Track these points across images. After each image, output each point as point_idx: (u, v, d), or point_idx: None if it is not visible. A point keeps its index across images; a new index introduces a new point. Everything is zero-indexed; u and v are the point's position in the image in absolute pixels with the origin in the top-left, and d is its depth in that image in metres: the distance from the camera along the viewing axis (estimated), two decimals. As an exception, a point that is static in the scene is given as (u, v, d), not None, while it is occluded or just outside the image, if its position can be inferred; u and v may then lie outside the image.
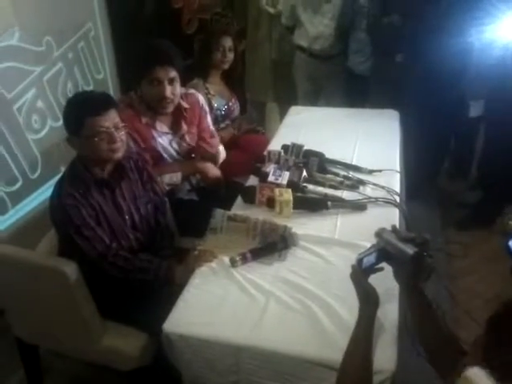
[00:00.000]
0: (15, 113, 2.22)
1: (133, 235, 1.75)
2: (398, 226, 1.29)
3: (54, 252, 1.74)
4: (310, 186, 1.96)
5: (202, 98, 2.29)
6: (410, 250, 1.14)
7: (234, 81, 2.80)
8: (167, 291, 1.60)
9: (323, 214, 1.83)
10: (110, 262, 1.62)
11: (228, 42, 2.60)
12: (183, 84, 2.14)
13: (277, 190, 1.83)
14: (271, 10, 3.47)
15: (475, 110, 2.77)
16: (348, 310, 1.34)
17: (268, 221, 1.71)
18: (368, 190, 1.96)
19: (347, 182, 1.99)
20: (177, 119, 2.14)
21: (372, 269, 1.22)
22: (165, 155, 2.12)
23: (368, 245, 1.26)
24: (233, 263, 1.58)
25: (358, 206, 1.85)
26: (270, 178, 1.91)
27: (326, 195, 1.91)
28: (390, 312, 1.33)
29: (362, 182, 2.00)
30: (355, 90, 3.31)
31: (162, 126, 2.10)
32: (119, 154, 1.63)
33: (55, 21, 2.40)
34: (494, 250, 2.68)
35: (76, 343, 1.71)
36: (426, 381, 1.33)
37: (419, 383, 1.58)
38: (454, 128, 3.07)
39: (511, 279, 2.46)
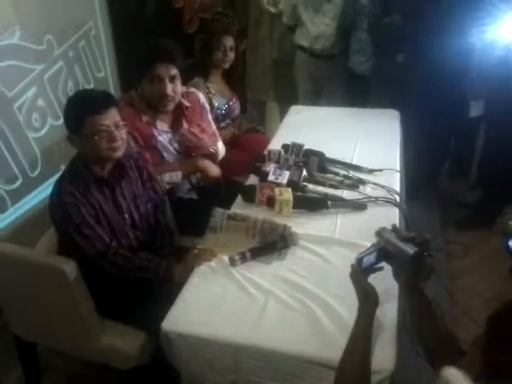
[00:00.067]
0: (16, 111, 2.22)
1: (132, 234, 1.75)
2: (398, 225, 1.29)
3: (54, 250, 1.74)
4: (310, 186, 1.96)
5: (202, 97, 2.29)
6: (410, 249, 1.14)
7: (235, 80, 2.80)
8: (166, 290, 1.60)
9: (323, 213, 1.83)
10: (109, 260, 1.62)
11: (229, 42, 2.60)
12: (184, 83, 2.14)
13: (277, 190, 1.83)
14: (272, 10, 3.47)
15: (475, 110, 2.77)
16: (347, 309, 1.33)
17: (268, 220, 1.71)
18: (368, 190, 1.96)
19: (347, 182, 1.99)
20: (178, 118, 2.14)
21: (372, 268, 1.21)
22: (165, 154, 2.12)
23: (368, 244, 1.26)
24: (232, 262, 1.58)
25: (358, 206, 1.85)
26: (270, 178, 1.91)
27: (326, 195, 1.91)
28: (389, 311, 1.33)
29: (362, 182, 2.00)
30: (356, 90, 3.31)
31: (162, 125, 2.10)
32: (119, 153, 1.63)
33: (56, 20, 2.40)
34: (493, 250, 2.68)
35: (74, 341, 1.71)
36: (424, 380, 1.33)
37: (418, 383, 1.58)
38: (454, 128, 3.07)
39: (510, 279, 2.46)
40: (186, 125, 2.16)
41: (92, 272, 1.59)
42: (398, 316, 1.34)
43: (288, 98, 3.58)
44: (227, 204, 1.89)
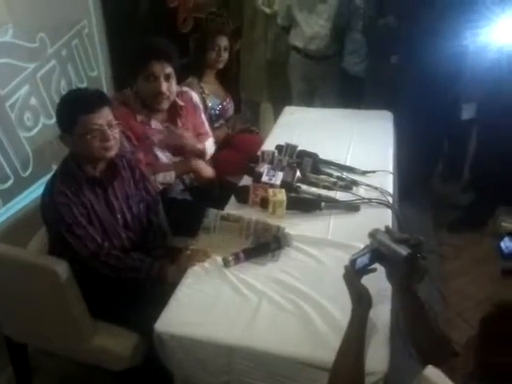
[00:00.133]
0: (8, 110, 2.20)
1: (125, 234, 1.74)
2: (391, 227, 1.29)
3: (45, 251, 1.73)
4: (304, 187, 1.96)
5: (195, 96, 2.29)
6: (403, 251, 1.14)
7: (229, 80, 2.79)
8: (159, 291, 1.59)
9: (316, 214, 1.83)
10: (101, 261, 1.61)
11: (223, 42, 2.59)
12: (178, 83, 2.14)
13: (270, 191, 1.83)
14: (267, 10, 3.47)
15: (467, 112, 2.78)
16: (340, 310, 1.33)
17: (261, 221, 1.71)
18: (361, 191, 1.97)
19: (341, 183, 1.99)
20: (172, 117, 2.14)
21: (365, 270, 1.21)
22: (159, 154, 2.11)
23: (361, 245, 1.26)
24: (226, 263, 1.57)
25: (351, 207, 1.85)
26: (264, 178, 1.91)
27: (319, 196, 1.91)
28: (382, 313, 1.34)
29: (355, 183, 2.00)
30: (350, 91, 3.32)
31: (157, 124, 2.09)
32: (112, 153, 1.62)
33: (49, 18, 2.38)
34: (485, 252, 2.69)
35: (66, 342, 1.69)
36: (417, 382, 1.32)
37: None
38: (447, 130, 3.09)
39: (502, 281, 2.47)
40: (180, 124, 2.15)
41: (84, 272, 1.58)
42: (391, 318, 1.34)
43: (282, 98, 3.58)
44: (220, 205, 1.88)
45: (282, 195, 1.81)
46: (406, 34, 2.70)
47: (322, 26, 3.15)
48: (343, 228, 1.75)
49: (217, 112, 2.68)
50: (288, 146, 2.13)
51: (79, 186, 1.60)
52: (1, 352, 1.89)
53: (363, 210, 1.85)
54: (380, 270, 1.24)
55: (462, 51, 2.51)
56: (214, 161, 2.50)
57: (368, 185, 1.99)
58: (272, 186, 1.87)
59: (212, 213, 1.74)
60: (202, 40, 2.64)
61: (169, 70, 1.98)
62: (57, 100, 1.71)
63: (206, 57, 2.60)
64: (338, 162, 2.18)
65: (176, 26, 3.49)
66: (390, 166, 2.19)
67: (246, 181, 2.06)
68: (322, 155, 2.15)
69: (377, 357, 1.21)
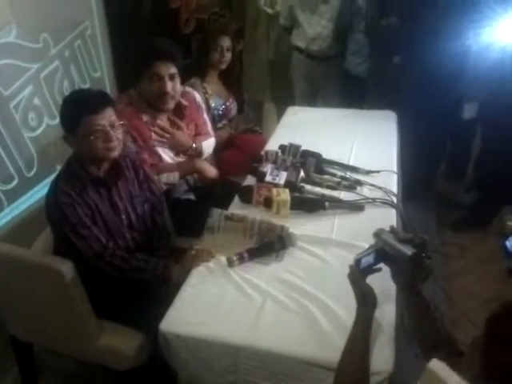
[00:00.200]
0: (12, 110, 2.20)
1: (129, 235, 1.75)
2: (395, 226, 1.29)
3: (50, 251, 1.74)
4: (308, 187, 1.96)
5: (198, 96, 2.31)
6: (408, 250, 1.14)
7: (232, 81, 2.79)
8: (164, 291, 1.59)
9: (320, 214, 1.83)
10: (106, 261, 1.61)
11: (226, 42, 2.60)
12: (181, 83, 2.14)
13: (274, 190, 1.83)
14: (269, 11, 3.47)
15: (469, 112, 2.78)
16: (345, 310, 1.34)
17: (265, 221, 1.71)
18: (365, 191, 1.96)
19: (344, 183, 1.99)
20: (177, 117, 2.15)
21: (370, 269, 1.22)
22: (161, 153, 2.11)
23: (365, 245, 1.26)
24: (230, 263, 1.57)
25: (356, 207, 1.85)
26: (268, 178, 1.91)
27: (323, 196, 1.91)
28: (387, 313, 1.33)
29: (359, 183, 2.00)
30: (352, 92, 3.32)
31: (161, 124, 2.10)
32: (115, 153, 1.62)
33: (52, 18, 2.39)
34: (489, 252, 2.69)
35: (72, 342, 1.70)
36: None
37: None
38: (450, 130, 3.08)
39: (507, 280, 2.47)
40: (184, 124, 2.16)
41: (89, 272, 1.59)
42: (396, 317, 1.34)
43: (284, 98, 3.59)
44: (224, 204, 1.88)
45: (285, 195, 1.81)
46: (408, 34, 2.70)
47: (324, 27, 3.15)
48: (348, 228, 1.75)
49: (220, 112, 2.68)
50: (291, 145, 2.13)
51: (83, 187, 1.60)
52: (7, 352, 1.90)
53: (367, 210, 1.85)
54: (385, 269, 1.24)
55: (465, 51, 2.51)
56: (218, 161, 2.50)
57: (372, 184, 1.99)
58: (276, 185, 1.87)
59: (216, 213, 1.74)
60: (204, 40, 2.65)
61: (173, 70, 1.99)
62: (60, 100, 1.72)
63: (208, 57, 2.60)
64: (341, 161, 2.18)
65: (178, 26, 3.49)
66: (394, 166, 2.19)
67: (249, 181, 2.06)
68: (326, 155, 2.15)
69: (382, 356, 1.21)
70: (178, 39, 2.80)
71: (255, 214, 1.79)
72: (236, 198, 1.95)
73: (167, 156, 2.13)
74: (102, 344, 1.63)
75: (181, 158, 2.19)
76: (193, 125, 2.23)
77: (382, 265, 1.24)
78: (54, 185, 1.61)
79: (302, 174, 1.98)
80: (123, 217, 1.72)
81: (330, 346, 1.24)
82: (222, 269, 1.58)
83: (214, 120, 2.64)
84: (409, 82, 2.81)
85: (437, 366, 0.76)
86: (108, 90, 2.82)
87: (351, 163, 2.20)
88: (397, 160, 2.27)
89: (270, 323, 1.35)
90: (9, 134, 2.19)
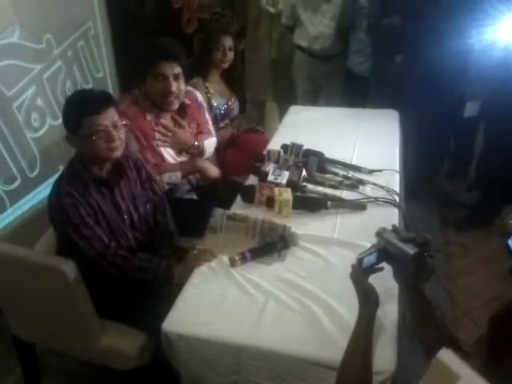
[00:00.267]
0: (15, 111, 2.21)
1: (132, 234, 1.75)
2: (397, 226, 1.29)
3: (53, 251, 1.74)
4: (310, 186, 1.96)
5: (199, 95, 2.31)
6: (410, 250, 1.14)
7: (234, 80, 2.79)
8: (166, 291, 1.60)
9: (323, 213, 1.83)
10: (108, 261, 1.61)
11: (228, 42, 2.59)
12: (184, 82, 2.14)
13: (276, 190, 1.83)
14: (271, 10, 3.47)
15: (469, 110, 2.78)
16: (347, 309, 1.33)
17: (267, 220, 1.71)
18: (368, 190, 1.96)
19: (347, 182, 1.99)
20: (180, 116, 2.15)
21: (372, 269, 1.21)
22: (165, 154, 2.12)
23: (367, 245, 1.26)
24: (232, 263, 1.57)
25: (358, 206, 1.85)
26: (270, 178, 1.91)
27: (325, 195, 1.90)
28: (389, 312, 1.33)
29: (361, 182, 2.00)
30: (354, 91, 3.31)
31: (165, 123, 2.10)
32: (117, 153, 1.63)
33: (55, 19, 2.40)
34: (492, 251, 2.68)
35: (74, 342, 1.70)
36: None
37: (418, 384, 1.58)
38: (453, 129, 3.08)
39: (509, 279, 2.46)
40: (186, 123, 2.17)
41: (91, 272, 1.59)
42: (399, 316, 1.33)
43: (287, 97, 3.58)
44: (226, 204, 1.88)
45: (287, 194, 1.80)
46: (410, 33, 2.69)
47: (326, 26, 3.14)
48: (350, 227, 1.75)
49: (222, 112, 2.68)
50: (293, 145, 2.13)
51: (86, 187, 1.60)
52: (9, 352, 1.91)
53: (370, 209, 1.84)
54: (387, 268, 1.24)
55: (467, 50, 2.50)
56: (220, 160, 2.50)
57: (374, 184, 1.99)
58: (278, 185, 1.87)
59: (218, 212, 1.74)
60: (206, 40, 2.64)
61: (178, 69, 1.99)
62: (62, 101, 1.72)
63: (210, 57, 2.60)
64: (343, 160, 2.18)
65: (180, 26, 3.50)
66: (397, 165, 2.18)
67: (251, 180, 2.06)
68: (328, 154, 2.15)
69: (384, 356, 1.21)
70: (180, 39, 2.79)
71: (257, 213, 1.79)
72: (238, 198, 1.95)
73: (169, 156, 2.13)
74: (105, 344, 1.64)
75: (183, 158, 2.19)
76: (194, 123, 2.24)
77: (384, 264, 1.23)
78: (57, 185, 1.62)
79: (304, 173, 1.98)
80: (125, 217, 1.72)
81: (332, 346, 1.24)
82: (224, 268, 1.58)
83: (216, 119, 2.64)
84: (411, 81, 2.80)
85: (446, 355, 0.75)
86: (110, 91, 2.83)
87: (353, 162, 2.19)
88: (399, 159, 2.26)
89: (273, 323, 1.35)
90: (12, 134, 2.20)
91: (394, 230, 1.22)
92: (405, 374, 1.23)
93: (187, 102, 2.16)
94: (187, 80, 2.14)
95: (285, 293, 1.45)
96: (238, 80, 2.91)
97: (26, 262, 1.58)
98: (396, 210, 1.85)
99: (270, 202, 1.84)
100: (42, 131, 2.39)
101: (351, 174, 2.06)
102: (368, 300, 1.17)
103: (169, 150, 2.13)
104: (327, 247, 1.64)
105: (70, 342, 1.71)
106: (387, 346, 1.24)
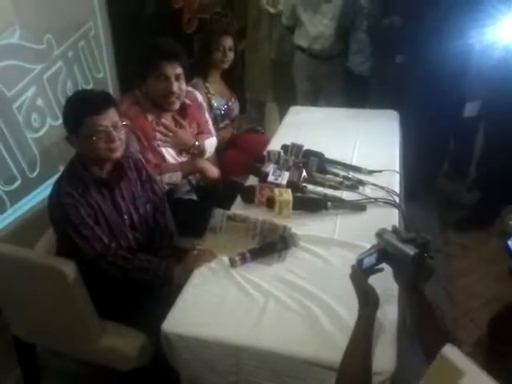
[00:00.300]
0: (15, 111, 2.21)
1: (132, 235, 1.75)
2: (397, 226, 1.29)
3: (53, 251, 1.74)
4: (310, 186, 1.96)
5: (199, 95, 2.32)
6: (410, 250, 1.14)
7: (234, 80, 2.79)
8: (166, 291, 1.60)
9: (323, 214, 1.83)
10: (108, 261, 1.61)
11: (228, 42, 2.59)
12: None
13: (276, 190, 1.83)
14: (272, 10, 3.47)
15: (469, 110, 2.78)
16: (347, 310, 1.34)
17: (267, 221, 1.71)
18: (368, 191, 1.96)
19: (347, 183, 1.99)
20: (181, 116, 2.16)
21: (372, 269, 1.21)
22: (166, 155, 2.12)
23: (367, 245, 1.26)
24: (232, 263, 1.57)
25: (358, 207, 1.85)
26: (270, 178, 1.91)
27: (325, 195, 1.90)
28: (389, 313, 1.33)
29: (361, 183, 2.00)
30: (355, 91, 3.31)
31: (166, 124, 2.10)
32: (118, 154, 1.63)
33: (56, 19, 2.40)
34: (492, 252, 2.68)
35: (74, 343, 1.70)
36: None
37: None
38: (453, 129, 3.08)
39: (509, 280, 2.46)
40: (187, 123, 2.17)
41: (91, 273, 1.59)
42: (398, 317, 1.34)
43: (287, 98, 3.59)
44: (226, 205, 1.88)
45: (288, 195, 1.81)
46: (410, 33, 2.69)
47: (326, 26, 3.14)
48: (350, 228, 1.75)
49: (222, 112, 2.68)
50: (294, 145, 2.13)
51: (86, 187, 1.60)
52: (9, 352, 1.91)
53: (370, 210, 1.84)
54: (387, 269, 1.24)
55: (468, 50, 2.50)
56: (220, 161, 2.50)
57: (374, 184, 1.99)
58: (278, 185, 1.87)
59: (218, 213, 1.74)
60: (206, 40, 2.65)
61: (179, 70, 1.99)
62: (63, 101, 1.72)
63: (210, 57, 2.60)
64: (343, 161, 2.18)
65: (181, 26, 3.50)
66: (397, 166, 2.18)
67: (251, 181, 2.06)
68: (328, 155, 2.15)
69: (384, 356, 1.21)
70: (181, 39, 2.80)
71: (257, 214, 1.79)
72: (238, 198, 1.95)
73: (170, 156, 2.13)
74: (105, 344, 1.64)
75: (183, 158, 2.19)
76: (195, 123, 2.24)
77: (384, 265, 1.23)
78: (57, 185, 1.62)
79: (304, 173, 1.98)
80: (125, 217, 1.72)
81: (332, 346, 1.24)
82: (224, 269, 1.58)
83: (217, 120, 2.64)
84: (411, 81, 2.80)
85: (450, 351, 0.75)
86: (111, 91, 2.83)
87: (354, 163, 2.19)
88: (399, 159, 2.26)
89: (272, 323, 1.36)
90: (12, 134, 2.20)
91: (394, 230, 1.22)
92: (404, 375, 1.24)
93: (188, 102, 2.17)
94: (187, 80, 2.14)
95: (285, 293, 1.46)
96: (238, 80, 2.91)
97: (26, 263, 1.58)
98: (396, 211, 1.85)
99: (270, 203, 1.84)
100: (43, 131, 2.39)
101: (351, 174, 2.06)
102: (368, 301, 1.17)
103: (169, 150, 2.13)
104: (327, 248, 1.64)
105: (69, 342, 1.72)
106: (387, 346, 1.24)
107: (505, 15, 2.30)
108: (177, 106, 2.07)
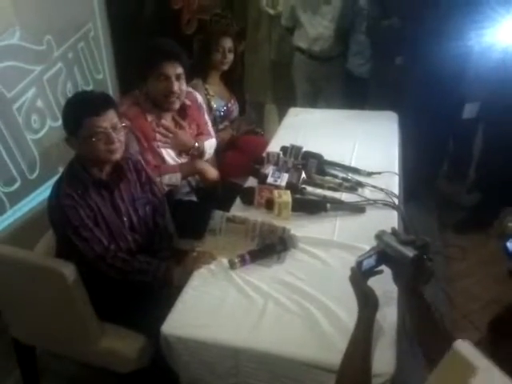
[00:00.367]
0: (15, 112, 2.21)
1: (131, 237, 1.75)
2: (396, 228, 1.29)
3: (52, 253, 1.74)
4: (309, 188, 1.96)
5: (199, 96, 2.32)
6: (409, 252, 1.14)
7: (234, 82, 2.79)
8: (165, 293, 1.59)
9: (322, 216, 1.83)
10: (108, 263, 1.61)
11: (228, 43, 2.59)
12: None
13: (276, 192, 1.83)
14: (271, 11, 3.48)
15: (468, 112, 2.78)
16: (347, 312, 1.34)
17: (267, 222, 1.71)
18: (367, 192, 1.96)
19: (346, 184, 1.99)
20: (180, 117, 2.16)
21: (371, 271, 1.21)
22: (166, 156, 2.12)
23: (366, 247, 1.26)
24: (231, 265, 1.57)
25: (357, 209, 1.85)
26: (269, 180, 1.91)
27: (324, 197, 1.91)
28: (388, 315, 1.33)
29: (360, 184, 2.00)
30: (354, 92, 3.31)
31: (166, 124, 2.10)
32: (117, 155, 1.63)
33: (56, 20, 2.40)
34: (491, 254, 2.68)
35: (74, 344, 1.70)
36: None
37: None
38: (452, 130, 3.08)
39: (508, 282, 2.46)
40: (187, 123, 2.18)
41: (91, 275, 1.59)
42: (398, 319, 1.34)
43: (286, 99, 3.59)
44: (226, 206, 1.88)
45: (287, 196, 1.81)
46: (410, 35, 2.69)
47: (325, 27, 3.15)
48: (349, 229, 1.75)
49: (222, 113, 2.68)
50: (293, 147, 2.13)
51: (85, 189, 1.60)
52: (9, 354, 1.90)
53: (369, 212, 1.84)
54: (386, 271, 1.24)
55: (467, 52, 2.51)
56: (219, 162, 2.50)
57: (373, 186, 1.99)
58: (277, 187, 1.87)
59: (218, 215, 1.74)
60: (206, 41, 2.64)
61: (180, 70, 2.00)
62: (63, 102, 1.72)
63: (210, 58, 2.60)
64: (343, 163, 2.18)
65: (180, 27, 3.50)
66: (396, 167, 2.18)
67: (251, 182, 2.06)
68: (327, 156, 2.15)
69: (383, 358, 1.21)
70: (180, 40, 2.79)
71: (257, 215, 1.79)
72: (238, 200, 1.95)
73: (170, 157, 2.13)
74: (104, 346, 1.64)
75: (183, 159, 2.19)
76: (195, 124, 2.25)
77: (383, 267, 1.23)
78: (57, 187, 1.62)
79: (303, 175, 1.98)
80: (125, 219, 1.72)
81: (331, 348, 1.24)
82: (223, 271, 1.58)
83: (216, 121, 2.64)
84: (411, 83, 2.81)
85: (462, 346, 0.73)
86: (110, 92, 2.83)
87: (353, 164, 2.19)
88: (398, 161, 2.26)
89: (272, 325, 1.36)
90: (11, 136, 2.20)
91: (394, 232, 1.22)
92: (404, 377, 1.24)
93: (188, 102, 2.17)
94: (187, 81, 2.14)
95: (284, 295, 1.46)
96: (237, 82, 2.91)
97: (26, 264, 1.58)
98: (395, 213, 1.85)
99: (269, 204, 1.84)
100: (42, 133, 2.39)
101: (350, 176, 2.06)
102: (367, 303, 1.17)
103: (169, 150, 2.13)
104: (326, 250, 1.65)
105: (69, 344, 1.71)
106: (386, 348, 1.24)
107: (503, 17, 2.30)
108: (177, 105, 2.08)
